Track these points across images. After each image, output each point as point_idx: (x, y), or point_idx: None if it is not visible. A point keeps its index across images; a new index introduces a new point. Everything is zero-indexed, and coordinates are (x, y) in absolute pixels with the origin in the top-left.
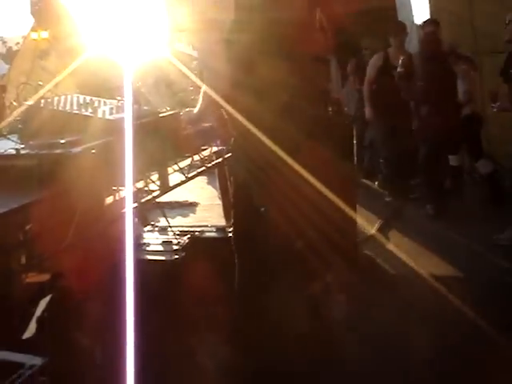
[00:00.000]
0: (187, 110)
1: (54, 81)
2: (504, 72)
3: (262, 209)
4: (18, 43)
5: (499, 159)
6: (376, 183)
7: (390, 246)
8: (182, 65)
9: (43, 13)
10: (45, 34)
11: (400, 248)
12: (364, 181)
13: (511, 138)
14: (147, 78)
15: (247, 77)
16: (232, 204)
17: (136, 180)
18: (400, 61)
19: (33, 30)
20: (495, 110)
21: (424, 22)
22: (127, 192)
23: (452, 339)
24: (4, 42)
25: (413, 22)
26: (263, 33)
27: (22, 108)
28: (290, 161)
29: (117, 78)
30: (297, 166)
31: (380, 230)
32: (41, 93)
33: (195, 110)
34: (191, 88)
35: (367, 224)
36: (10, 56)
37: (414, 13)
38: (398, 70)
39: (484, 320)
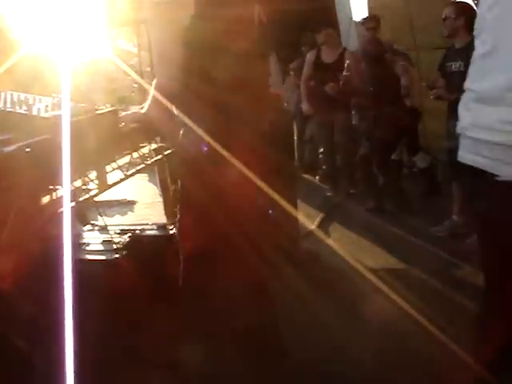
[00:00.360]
0: (133, 109)
1: None
2: (441, 67)
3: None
4: None
5: (435, 153)
6: (316, 178)
7: (330, 241)
8: (122, 62)
9: None
10: None
11: (340, 242)
12: (305, 176)
13: (446, 132)
14: (87, 74)
15: (195, 75)
16: (179, 198)
17: (73, 179)
18: (346, 64)
19: None
20: (432, 97)
21: (364, 19)
22: (65, 190)
23: (392, 335)
24: None
25: (351, 18)
26: (211, 30)
27: None
28: (229, 156)
29: (53, 75)
30: (236, 162)
31: (320, 224)
32: None
33: (143, 110)
34: (135, 85)
35: (308, 219)
36: None
37: (353, 9)
38: (344, 73)
39: (425, 314)
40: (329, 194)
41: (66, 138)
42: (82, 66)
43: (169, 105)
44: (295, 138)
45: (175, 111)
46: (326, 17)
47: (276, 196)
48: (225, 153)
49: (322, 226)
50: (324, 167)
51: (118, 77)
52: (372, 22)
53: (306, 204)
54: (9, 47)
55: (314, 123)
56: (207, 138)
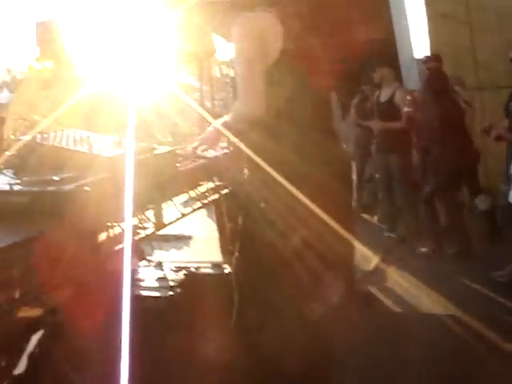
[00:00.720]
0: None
1: (50, 117)
2: (506, 106)
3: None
4: (22, 72)
5: (496, 195)
6: (375, 218)
7: (387, 284)
8: (187, 97)
9: (48, 43)
10: (49, 64)
11: (397, 285)
12: (363, 215)
13: (505, 174)
14: (148, 109)
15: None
16: (238, 236)
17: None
18: (406, 100)
19: (37, 59)
20: (492, 137)
21: (426, 57)
22: (126, 229)
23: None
24: (9, 71)
25: (413, 56)
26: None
27: (19, 142)
28: (295, 192)
29: (117, 112)
30: (301, 198)
31: (377, 266)
32: (37, 129)
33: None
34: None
35: (364, 260)
36: (14, 84)
37: (414, 47)
38: (405, 109)
39: (484, 362)
40: (387, 234)
41: (130, 177)
42: (144, 101)
43: (236, 142)
44: (354, 177)
45: (243, 148)
46: (387, 55)
47: (333, 236)
48: (286, 192)
49: (379, 267)
50: (383, 207)
51: (181, 111)
52: (434, 60)
53: (363, 244)
54: (73, 83)
55: (374, 162)
56: (272, 177)
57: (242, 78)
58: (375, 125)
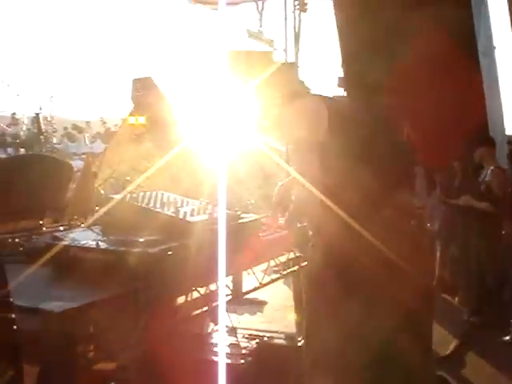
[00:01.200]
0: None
1: (140, 178)
2: None
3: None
4: (116, 125)
5: None
6: (456, 299)
7: (464, 371)
8: (278, 157)
9: (143, 100)
10: (142, 120)
11: (474, 373)
12: (443, 295)
13: None
14: (236, 175)
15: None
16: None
17: (210, 282)
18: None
19: (131, 114)
20: None
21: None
22: (220, 301)
23: None
24: (104, 123)
25: (504, 133)
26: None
27: (108, 200)
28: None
29: (207, 175)
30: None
31: (455, 351)
32: (128, 189)
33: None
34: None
35: (442, 344)
36: (107, 136)
37: (506, 123)
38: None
39: None
40: (468, 318)
41: (223, 243)
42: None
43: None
44: (437, 256)
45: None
46: (479, 134)
47: (411, 316)
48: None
49: (457, 352)
50: (465, 288)
51: (268, 175)
52: None
53: (441, 327)
54: (168, 138)
55: (459, 242)
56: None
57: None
58: (463, 200)
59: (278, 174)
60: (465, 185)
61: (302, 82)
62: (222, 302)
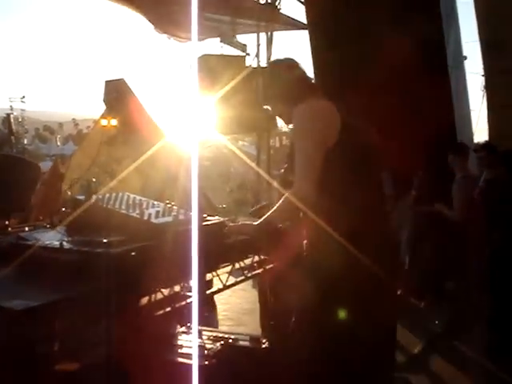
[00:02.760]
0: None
1: (111, 183)
2: None
3: None
4: (88, 127)
5: None
6: (422, 304)
7: (430, 372)
8: (249, 161)
9: (115, 102)
10: (114, 122)
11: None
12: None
13: None
14: (210, 174)
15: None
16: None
17: (173, 284)
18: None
19: (103, 116)
20: None
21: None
22: (193, 302)
23: None
24: (76, 125)
25: (472, 141)
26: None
27: (74, 202)
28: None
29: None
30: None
31: (420, 353)
32: (96, 191)
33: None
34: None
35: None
36: (79, 138)
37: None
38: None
39: None
40: (435, 321)
41: (195, 244)
42: (208, 163)
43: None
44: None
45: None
46: (449, 141)
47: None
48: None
49: (422, 355)
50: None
51: (236, 177)
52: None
53: (407, 330)
54: (140, 141)
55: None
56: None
57: (305, 155)
58: (437, 207)
59: (250, 178)
60: (436, 192)
61: (310, 79)
62: (194, 302)
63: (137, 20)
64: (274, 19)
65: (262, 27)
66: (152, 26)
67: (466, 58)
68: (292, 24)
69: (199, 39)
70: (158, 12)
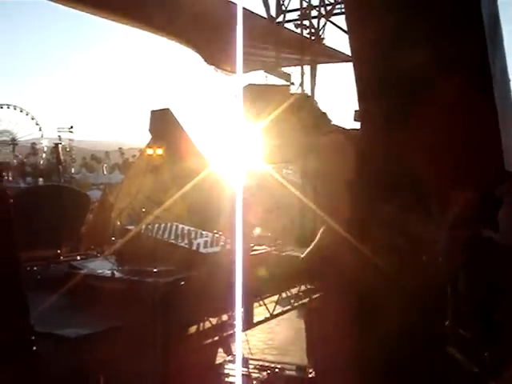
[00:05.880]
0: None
1: (158, 210)
2: None
3: None
4: (134, 156)
5: None
6: None
7: None
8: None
9: (161, 131)
10: (159, 151)
11: None
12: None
13: None
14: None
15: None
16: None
17: (221, 313)
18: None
19: (149, 146)
20: None
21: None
22: (237, 331)
23: None
24: (122, 154)
25: None
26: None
27: (124, 231)
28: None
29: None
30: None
31: None
32: (144, 221)
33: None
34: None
35: None
36: (125, 167)
37: None
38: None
39: None
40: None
41: (239, 275)
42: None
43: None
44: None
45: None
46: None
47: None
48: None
49: None
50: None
51: (280, 205)
52: None
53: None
54: (186, 171)
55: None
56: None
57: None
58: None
59: (294, 206)
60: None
61: (325, 114)
62: (238, 331)
63: (185, 54)
64: (317, 53)
65: (306, 61)
66: (202, 60)
67: (511, 80)
68: (335, 56)
69: (244, 71)
70: (210, 49)
